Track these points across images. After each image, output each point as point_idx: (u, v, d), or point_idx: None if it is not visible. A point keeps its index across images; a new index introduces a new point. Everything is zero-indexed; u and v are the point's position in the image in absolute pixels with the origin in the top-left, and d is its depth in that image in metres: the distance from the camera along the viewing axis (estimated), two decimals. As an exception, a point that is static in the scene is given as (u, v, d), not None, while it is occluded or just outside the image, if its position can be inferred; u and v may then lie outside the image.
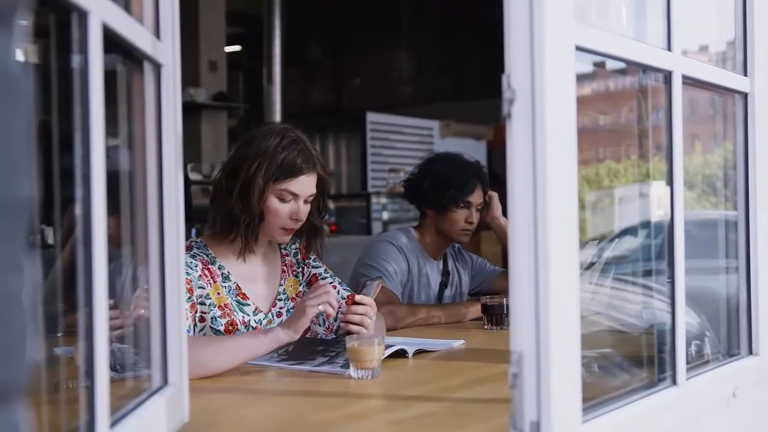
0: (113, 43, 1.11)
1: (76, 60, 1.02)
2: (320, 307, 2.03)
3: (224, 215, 2.24)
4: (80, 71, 1.01)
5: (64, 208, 1.10)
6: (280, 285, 2.37)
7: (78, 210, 1.01)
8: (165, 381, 1.38)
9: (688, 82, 1.60)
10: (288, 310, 2.35)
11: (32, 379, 0.62)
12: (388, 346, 2.05)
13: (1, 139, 0.54)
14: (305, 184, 2.25)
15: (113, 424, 1.09)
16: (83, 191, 1.01)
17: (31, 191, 0.59)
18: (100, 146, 1.03)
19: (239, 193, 2.20)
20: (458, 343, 2.38)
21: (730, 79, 1.82)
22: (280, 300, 2.36)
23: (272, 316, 2.31)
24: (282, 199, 2.23)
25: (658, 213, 1.99)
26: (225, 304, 2.21)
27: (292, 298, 2.38)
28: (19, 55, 0.60)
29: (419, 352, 2.21)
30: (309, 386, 1.84)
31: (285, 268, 2.40)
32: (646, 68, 1.59)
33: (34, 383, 0.64)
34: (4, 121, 0.55)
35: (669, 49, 1.54)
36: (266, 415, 1.68)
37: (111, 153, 1.10)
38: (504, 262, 4.84)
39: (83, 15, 1.00)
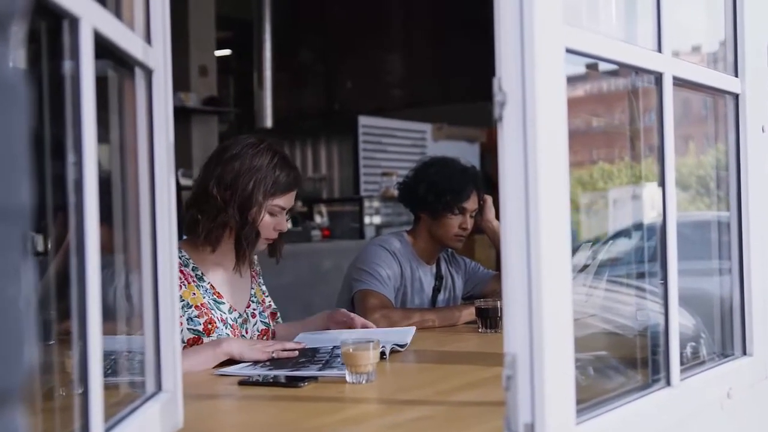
0: (103, 48, 1.11)
1: (67, 66, 1.01)
2: (274, 354, 2.14)
3: (218, 228, 2.29)
4: (72, 77, 1.01)
5: (56, 215, 1.09)
6: (252, 289, 2.48)
7: (70, 217, 1.01)
8: (159, 387, 1.38)
9: (679, 83, 1.60)
10: (260, 312, 2.47)
11: (29, 384, 0.62)
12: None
13: (-2, 146, 0.54)
14: (292, 199, 2.38)
15: (107, 430, 1.08)
16: (76, 198, 1.00)
17: (29, 198, 0.60)
18: (92, 153, 1.02)
19: (238, 209, 2.27)
20: (411, 330, 2.44)
21: (721, 80, 1.82)
22: (253, 302, 2.46)
23: (247, 316, 2.42)
24: (272, 214, 2.33)
25: (651, 215, 1.99)
26: (201, 304, 2.28)
27: (261, 302, 2.50)
28: (16, 62, 0.59)
29: (394, 352, 2.24)
30: (303, 391, 1.83)
31: (254, 274, 2.52)
32: (636, 70, 1.59)
33: (28, 390, 0.64)
34: (1, 128, 0.55)
35: (659, 50, 1.54)
36: (260, 421, 1.67)
37: (102, 159, 1.09)
38: (498, 266, 4.81)
39: (74, 21, 1.00)
